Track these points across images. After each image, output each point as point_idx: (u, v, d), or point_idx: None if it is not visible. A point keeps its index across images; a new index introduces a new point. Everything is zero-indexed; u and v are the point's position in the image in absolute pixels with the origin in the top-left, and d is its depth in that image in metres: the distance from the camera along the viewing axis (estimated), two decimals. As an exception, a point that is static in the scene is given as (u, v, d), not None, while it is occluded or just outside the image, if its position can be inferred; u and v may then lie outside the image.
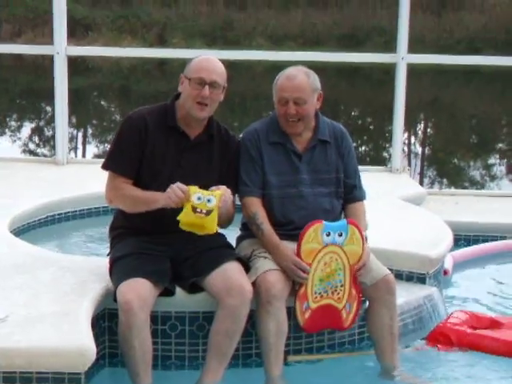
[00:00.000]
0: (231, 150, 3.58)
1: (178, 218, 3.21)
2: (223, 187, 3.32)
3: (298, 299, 3.40)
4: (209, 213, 3.20)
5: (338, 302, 3.46)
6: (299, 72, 3.56)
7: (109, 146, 3.63)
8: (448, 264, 4.60)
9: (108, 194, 3.51)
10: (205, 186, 3.33)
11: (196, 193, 3.22)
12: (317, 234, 3.37)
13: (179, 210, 3.23)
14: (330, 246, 3.40)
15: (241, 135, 3.68)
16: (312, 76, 3.58)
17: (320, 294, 3.43)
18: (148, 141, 3.44)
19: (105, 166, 3.50)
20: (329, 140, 3.64)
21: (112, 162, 3.49)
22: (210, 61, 3.48)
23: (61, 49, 6.46)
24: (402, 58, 6.39)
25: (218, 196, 3.25)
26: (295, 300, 3.40)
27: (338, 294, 3.45)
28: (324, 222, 3.40)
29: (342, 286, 3.45)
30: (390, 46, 7.87)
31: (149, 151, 3.44)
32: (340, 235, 3.41)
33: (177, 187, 3.25)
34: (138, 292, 3.14)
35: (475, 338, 3.78)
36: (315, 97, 3.58)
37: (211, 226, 3.22)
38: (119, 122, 3.50)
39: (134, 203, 3.43)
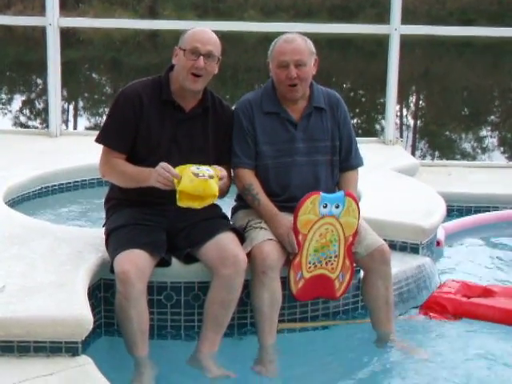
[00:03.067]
0: (226, 121, 3.58)
1: (180, 188, 3.16)
2: (217, 166, 3.33)
3: (292, 268, 3.42)
4: (211, 177, 3.19)
5: (331, 272, 3.48)
6: (296, 36, 3.58)
7: (102, 120, 3.63)
8: (440, 235, 4.63)
9: (101, 168, 3.52)
10: (201, 157, 3.34)
11: (192, 166, 3.22)
12: (314, 205, 3.39)
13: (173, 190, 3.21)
14: (327, 218, 3.41)
15: (233, 107, 3.68)
16: (308, 40, 3.59)
17: (314, 264, 3.45)
18: (143, 116, 3.43)
19: (98, 140, 3.50)
20: (324, 107, 3.65)
21: (106, 137, 3.48)
22: (205, 32, 3.46)
23: (53, 20, 6.42)
24: (396, 29, 6.38)
25: (216, 170, 3.26)
26: (289, 269, 3.42)
27: (332, 264, 3.48)
28: (321, 193, 3.41)
29: (336, 256, 3.47)
30: (382, 17, 7.85)
31: (144, 126, 3.43)
32: (337, 207, 3.42)
33: (161, 168, 3.24)
34: (136, 263, 3.15)
35: (470, 306, 3.83)
36: (312, 60, 3.58)
37: (213, 190, 3.18)
38: (110, 95, 3.50)
39: (125, 179, 3.44)
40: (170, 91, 3.47)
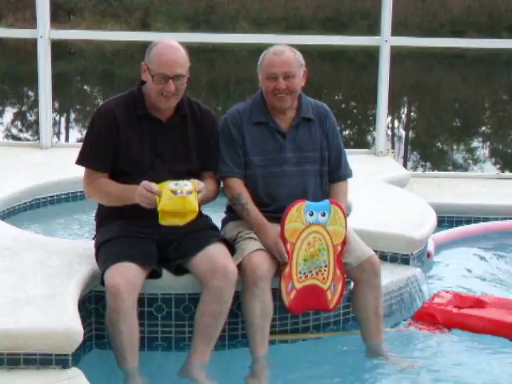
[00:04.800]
0: (206, 125, 3.57)
1: (160, 207, 3.15)
2: (195, 180, 3.32)
3: (283, 279, 3.42)
4: (189, 193, 3.18)
5: (322, 283, 3.49)
6: (285, 48, 3.60)
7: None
8: (430, 247, 4.64)
9: (85, 189, 3.52)
10: (185, 165, 3.38)
11: (170, 182, 3.21)
12: (300, 213, 3.40)
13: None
14: (313, 226, 3.43)
15: (223, 117, 3.69)
16: (297, 52, 3.62)
17: (304, 274, 3.46)
18: (120, 133, 3.43)
19: (78, 162, 3.50)
20: (312, 118, 3.67)
21: (85, 159, 3.48)
22: (170, 52, 3.37)
23: (44, 32, 6.42)
24: (386, 41, 6.41)
25: (194, 183, 3.25)
26: (280, 280, 3.42)
27: (323, 274, 3.48)
28: (306, 201, 3.43)
29: (326, 266, 3.48)
30: (373, 29, 7.88)
31: (123, 143, 3.43)
32: (323, 215, 3.43)
33: (143, 188, 3.23)
34: (126, 276, 3.14)
35: (461, 317, 3.84)
36: (302, 72, 3.60)
37: (193, 205, 3.17)
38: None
39: (110, 199, 3.44)
40: (145, 105, 3.46)
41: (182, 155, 3.49)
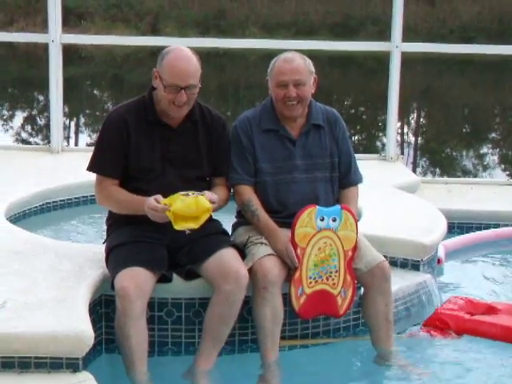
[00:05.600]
0: (216, 131, 3.57)
1: (173, 210, 3.16)
2: (207, 192, 3.32)
3: (293, 284, 3.42)
4: (200, 194, 3.20)
5: (332, 288, 3.48)
6: (295, 55, 3.59)
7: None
8: (440, 253, 4.63)
9: (97, 196, 3.53)
10: (196, 170, 3.39)
11: (182, 192, 3.22)
12: (311, 218, 3.40)
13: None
14: (324, 231, 3.43)
15: (233, 123, 3.69)
16: (307, 59, 3.61)
17: (314, 279, 3.45)
18: (131, 139, 3.43)
19: (90, 169, 3.51)
20: (322, 124, 3.67)
21: (96, 165, 3.49)
22: (183, 63, 3.36)
23: (56, 37, 6.45)
24: (397, 47, 6.40)
25: (205, 194, 3.26)
26: (290, 285, 3.42)
27: (333, 279, 3.48)
28: (317, 206, 3.43)
29: (336, 271, 3.47)
30: (383, 35, 7.89)
31: (134, 148, 3.43)
32: (334, 220, 3.43)
33: (149, 209, 3.22)
34: (136, 281, 3.15)
35: (473, 323, 3.83)
36: (312, 79, 3.61)
37: (206, 204, 3.18)
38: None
39: (120, 208, 3.45)
40: (156, 111, 3.47)
41: (192, 161, 3.49)
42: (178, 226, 3.21)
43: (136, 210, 3.34)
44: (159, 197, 3.25)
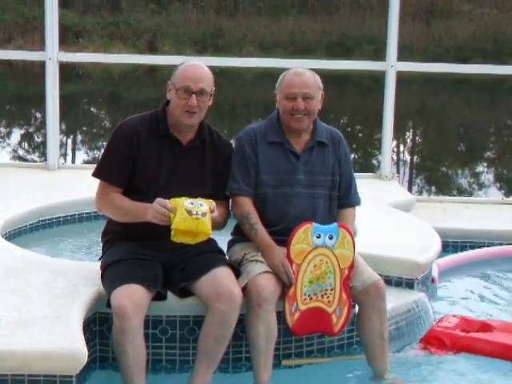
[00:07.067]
0: (224, 154, 3.61)
1: (174, 226, 3.18)
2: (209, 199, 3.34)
3: (288, 300, 3.42)
4: (204, 214, 3.21)
5: (328, 306, 3.48)
6: (305, 70, 3.66)
7: (100, 154, 3.65)
8: (434, 272, 4.64)
9: (97, 202, 3.53)
10: (199, 190, 3.37)
11: (187, 199, 3.24)
12: (307, 235, 3.41)
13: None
14: (320, 249, 3.43)
15: (235, 137, 3.72)
16: (316, 76, 3.68)
17: (309, 295, 3.46)
18: (140, 150, 3.46)
19: (95, 174, 3.53)
20: (326, 142, 3.70)
21: (102, 171, 3.51)
22: (196, 68, 3.48)
23: (53, 55, 6.48)
24: (392, 66, 6.45)
25: (209, 202, 3.28)
26: (284, 301, 3.42)
27: (328, 297, 3.48)
28: (314, 223, 3.44)
29: (332, 289, 3.48)
30: (379, 54, 7.94)
31: (141, 160, 3.46)
32: (330, 238, 3.44)
33: (158, 204, 3.25)
34: (132, 297, 3.15)
35: (468, 340, 3.84)
36: (319, 95, 3.65)
37: (206, 228, 3.20)
38: (109, 129, 3.53)
39: (121, 215, 3.46)
40: (167, 125, 3.51)
41: (197, 179, 3.51)
42: (176, 239, 3.22)
43: (137, 216, 3.35)
44: (167, 200, 3.26)
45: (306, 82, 3.59)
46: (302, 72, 3.64)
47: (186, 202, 3.21)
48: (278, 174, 3.61)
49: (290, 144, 3.65)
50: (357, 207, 3.82)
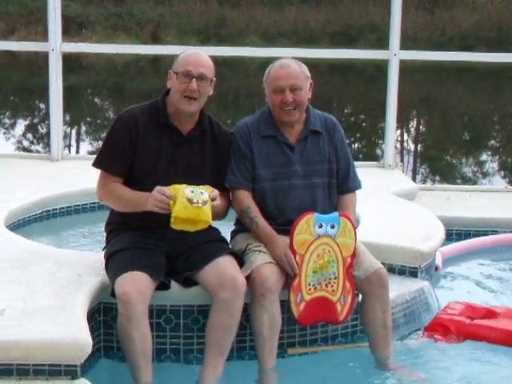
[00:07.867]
0: (224, 145, 3.60)
1: (174, 214, 3.19)
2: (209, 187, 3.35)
3: (292, 291, 3.43)
4: (204, 203, 3.21)
5: (332, 295, 3.49)
6: (290, 61, 3.63)
7: (101, 144, 3.66)
8: (438, 260, 4.64)
9: (98, 192, 3.54)
10: (198, 180, 3.37)
11: (187, 187, 3.24)
12: (309, 225, 3.41)
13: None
14: (323, 238, 3.44)
15: (232, 130, 3.71)
16: (302, 65, 3.64)
17: (314, 285, 3.47)
18: (139, 140, 3.46)
19: (95, 164, 3.53)
20: (320, 131, 3.68)
21: (102, 161, 3.51)
22: (196, 54, 3.50)
23: (56, 45, 6.48)
24: (395, 55, 6.43)
25: (209, 189, 3.28)
26: (289, 292, 3.43)
27: (332, 286, 3.49)
28: (316, 213, 3.44)
29: (335, 278, 3.49)
30: (382, 43, 7.89)
31: (141, 150, 3.46)
32: (332, 227, 3.45)
33: (157, 192, 3.26)
34: (136, 284, 3.16)
35: (474, 327, 3.85)
36: (308, 85, 3.62)
37: (207, 216, 3.21)
38: (113, 119, 3.52)
39: (122, 204, 3.46)
40: (167, 115, 3.51)
41: (196, 169, 3.51)
42: (175, 226, 3.23)
43: (138, 206, 3.36)
44: (166, 188, 3.27)
45: (292, 74, 3.56)
46: (288, 63, 3.60)
47: (186, 190, 3.22)
48: (274, 167, 3.61)
49: (283, 136, 3.64)
50: (360, 195, 3.81)
